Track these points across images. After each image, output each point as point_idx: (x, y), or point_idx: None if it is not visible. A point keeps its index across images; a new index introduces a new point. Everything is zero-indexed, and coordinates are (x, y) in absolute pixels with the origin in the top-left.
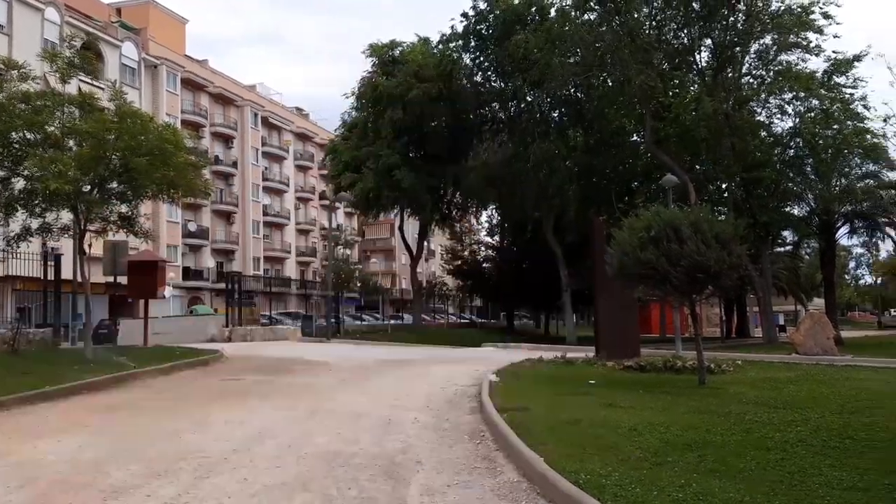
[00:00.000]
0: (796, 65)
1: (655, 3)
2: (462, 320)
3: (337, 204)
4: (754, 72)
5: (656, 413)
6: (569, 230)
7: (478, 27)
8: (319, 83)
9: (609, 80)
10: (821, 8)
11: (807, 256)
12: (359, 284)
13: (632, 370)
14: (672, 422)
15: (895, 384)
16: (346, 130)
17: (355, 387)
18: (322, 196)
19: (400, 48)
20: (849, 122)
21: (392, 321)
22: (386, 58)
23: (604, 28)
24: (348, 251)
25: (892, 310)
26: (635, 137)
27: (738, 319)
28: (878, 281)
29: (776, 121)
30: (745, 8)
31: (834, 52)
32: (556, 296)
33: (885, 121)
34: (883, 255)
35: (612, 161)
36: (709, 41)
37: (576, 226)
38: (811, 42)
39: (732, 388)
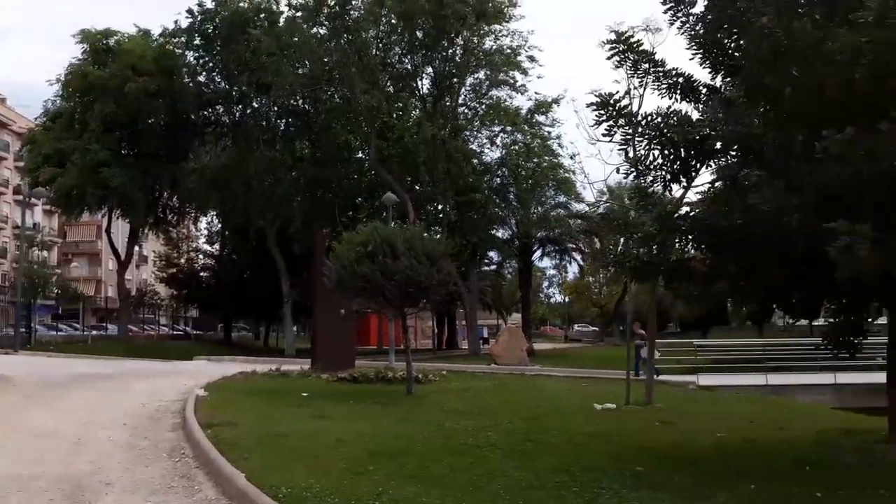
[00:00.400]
0: (505, 101)
1: (382, 27)
2: (175, 332)
3: (34, 200)
4: (469, 103)
5: (365, 423)
6: (294, 241)
7: (204, 26)
8: (21, 66)
9: (336, 96)
10: (526, 51)
11: (508, 275)
12: (56, 291)
13: (346, 382)
14: (379, 431)
15: (573, 391)
16: (48, 120)
17: (43, 404)
18: (17, 191)
19: (116, 37)
20: (546, 157)
21: (94, 332)
22: (99, 46)
23: (332, 44)
24: (45, 253)
25: (577, 325)
26: (361, 154)
27: (448, 332)
28: (566, 299)
29: (486, 150)
30: (462, 43)
31: (536, 93)
32: (278, 307)
33: (571, 157)
34: (570, 276)
35: (338, 175)
36: (430, 70)
37: (301, 237)
38: (518, 81)
39: (437, 396)
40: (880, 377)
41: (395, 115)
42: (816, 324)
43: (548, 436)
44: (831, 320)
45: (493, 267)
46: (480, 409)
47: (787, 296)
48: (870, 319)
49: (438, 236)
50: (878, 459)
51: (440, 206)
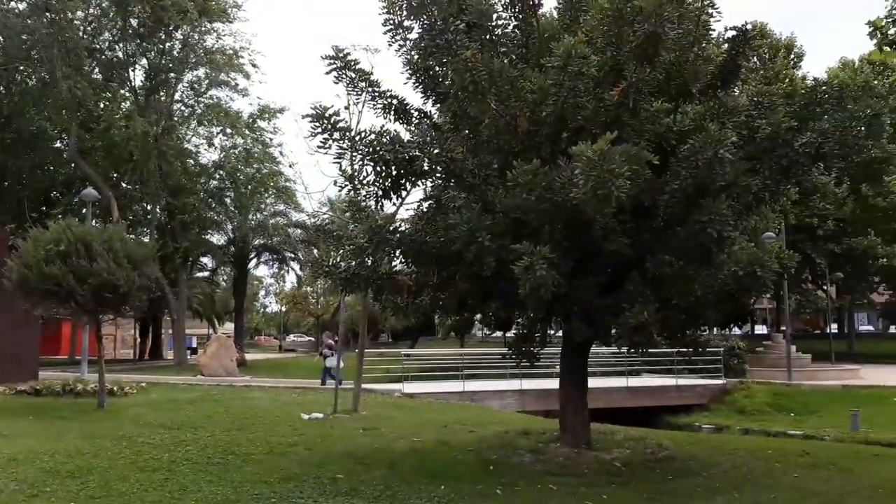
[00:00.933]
0: (226, 103)
1: (91, 11)
2: None
3: None
4: (187, 101)
5: (44, 440)
6: None
7: None
8: None
9: (34, 77)
10: (250, 55)
11: (223, 283)
12: None
13: (26, 395)
14: (59, 449)
15: (282, 401)
16: None
17: None
18: None
19: None
20: (267, 164)
21: None
22: None
23: (32, 20)
24: None
25: (292, 335)
26: (59, 144)
27: (152, 341)
28: (283, 309)
29: (203, 151)
30: (182, 37)
31: (259, 97)
32: None
33: (290, 166)
34: (288, 286)
35: (29, 165)
36: (145, 61)
37: None
38: (239, 84)
39: (132, 410)
40: (556, 383)
41: (101, 105)
42: (510, 335)
43: (250, 447)
44: (514, 332)
45: (206, 273)
46: (180, 422)
47: (482, 308)
48: (550, 332)
49: (147, 238)
50: (549, 456)
51: (149, 207)
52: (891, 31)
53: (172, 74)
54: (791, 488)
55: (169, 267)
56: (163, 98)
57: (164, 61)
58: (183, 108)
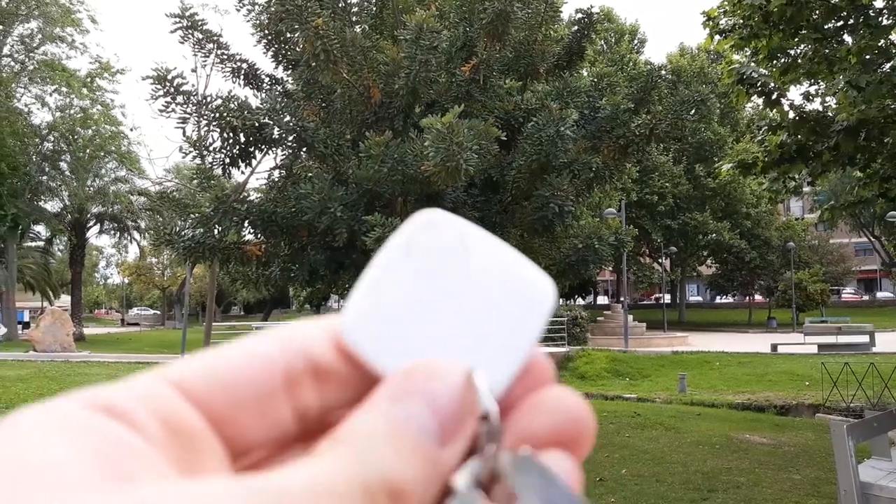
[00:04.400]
0: (61, 59)
1: None
2: None
3: None
4: (17, 56)
5: None
6: None
7: None
8: None
9: None
10: (87, 10)
11: (59, 253)
12: None
13: None
14: None
15: (119, 378)
16: None
17: None
18: None
19: None
20: (107, 126)
21: None
22: None
23: None
24: None
25: (135, 308)
26: None
27: None
28: (126, 281)
29: (36, 111)
30: None
31: (99, 57)
32: None
33: (131, 130)
34: (131, 256)
35: None
36: None
37: None
38: (76, 41)
39: None
40: None
41: None
42: None
43: None
44: None
45: (40, 243)
46: (8, 400)
47: (334, 280)
48: None
49: None
50: None
51: None
52: (722, 22)
53: (0, 27)
54: (622, 447)
55: None
56: None
57: None
58: (13, 63)
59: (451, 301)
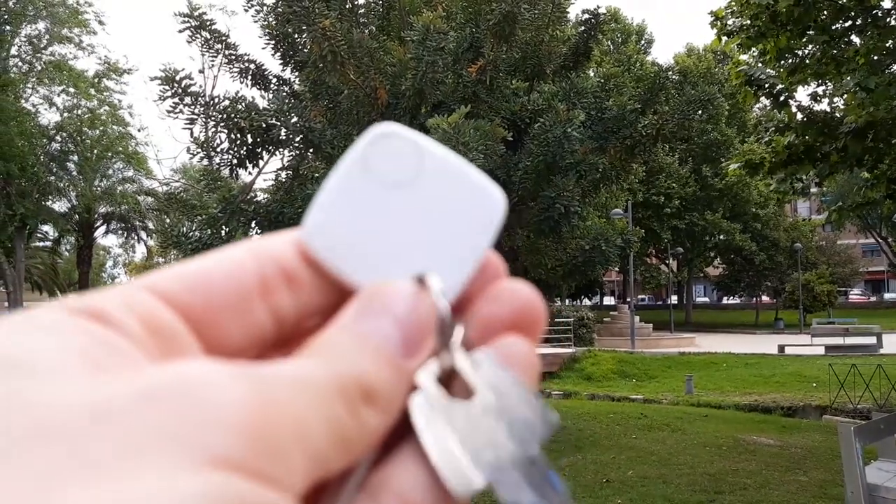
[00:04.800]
0: (69, 60)
1: None
2: None
3: None
4: (24, 56)
5: None
6: None
7: None
8: None
9: None
10: (94, 11)
11: (66, 253)
12: None
13: None
14: None
15: None
16: None
17: None
18: None
19: None
20: (115, 127)
21: None
22: None
23: None
24: None
25: None
26: None
27: None
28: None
29: (44, 111)
30: None
31: (107, 57)
32: None
33: (139, 130)
34: (138, 256)
35: None
36: None
37: None
38: (84, 41)
39: None
40: None
41: None
42: None
43: None
44: None
45: (48, 243)
46: None
47: None
48: None
49: None
50: None
51: None
52: (729, 22)
53: (8, 28)
54: (629, 448)
55: (4, 235)
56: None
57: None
58: (20, 64)
59: (408, 210)
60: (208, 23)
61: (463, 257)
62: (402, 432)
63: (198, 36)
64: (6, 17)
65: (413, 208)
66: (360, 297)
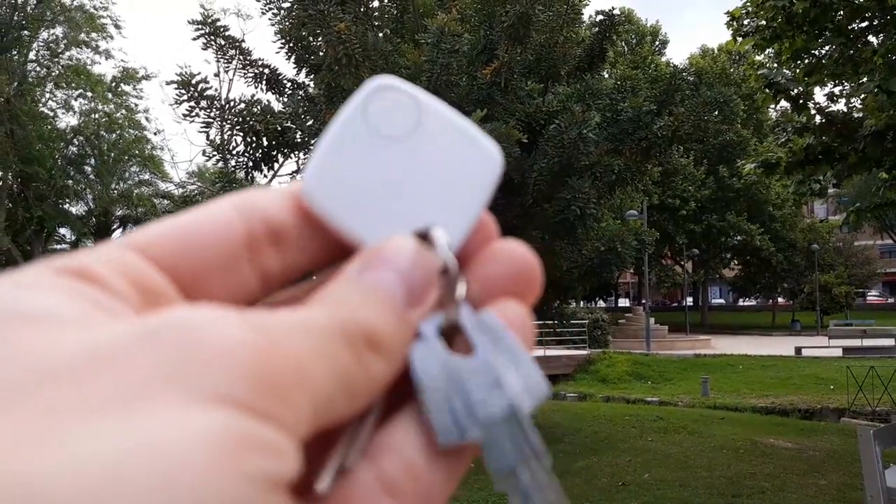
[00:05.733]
0: (87, 64)
1: None
2: None
3: None
4: (42, 61)
5: None
6: None
7: None
8: None
9: None
10: (113, 19)
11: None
12: None
13: None
14: None
15: None
16: None
17: None
18: None
19: None
20: (132, 130)
21: None
22: None
23: None
24: None
25: None
26: None
27: None
28: None
29: (61, 115)
30: None
31: (124, 61)
32: None
33: (155, 133)
34: None
35: None
36: None
37: None
38: (101, 46)
39: None
40: None
41: None
42: None
43: None
44: None
45: (65, 246)
46: None
47: None
48: None
49: None
50: None
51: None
52: (745, 22)
53: (26, 32)
54: (645, 451)
55: (22, 238)
56: (16, 57)
57: (16, 18)
58: (38, 68)
59: (407, 163)
60: (222, 29)
61: (461, 213)
62: (404, 391)
63: (212, 43)
64: (24, 22)
65: (412, 162)
66: (363, 253)
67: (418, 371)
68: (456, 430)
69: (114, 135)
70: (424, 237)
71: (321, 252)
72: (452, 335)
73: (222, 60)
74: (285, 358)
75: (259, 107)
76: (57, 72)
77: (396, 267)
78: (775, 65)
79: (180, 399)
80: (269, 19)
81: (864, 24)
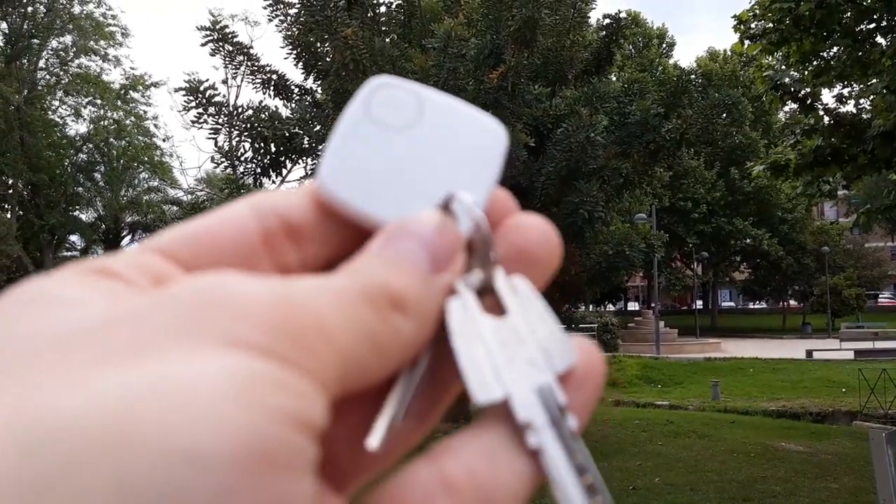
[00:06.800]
0: (97, 73)
1: None
2: None
3: None
4: (52, 69)
5: None
6: None
7: None
8: None
9: None
10: (121, 27)
11: None
12: None
13: None
14: None
15: None
16: None
17: None
18: None
19: None
20: (140, 137)
21: None
22: None
23: None
24: None
25: None
26: None
27: None
28: None
29: (71, 122)
30: (47, 1)
31: (133, 68)
32: None
33: (164, 140)
34: None
35: None
36: (4, 25)
37: None
38: (109, 53)
39: None
40: None
41: None
42: None
43: None
44: None
45: (76, 253)
46: None
47: None
48: None
49: (9, 215)
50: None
51: (10, 181)
52: (752, 25)
53: (36, 41)
54: (655, 455)
55: (33, 246)
56: (26, 65)
57: (27, 27)
58: (48, 76)
59: (416, 148)
60: (230, 35)
61: (476, 185)
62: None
63: (220, 49)
64: (34, 30)
65: (420, 146)
66: (384, 229)
67: (453, 329)
68: (486, 387)
69: (123, 142)
70: (446, 209)
71: (343, 243)
72: (485, 295)
73: (230, 66)
74: (305, 313)
75: (267, 113)
76: (66, 79)
77: (419, 236)
78: (783, 66)
79: (199, 345)
80: (277, 25)
81: (872, 25)
